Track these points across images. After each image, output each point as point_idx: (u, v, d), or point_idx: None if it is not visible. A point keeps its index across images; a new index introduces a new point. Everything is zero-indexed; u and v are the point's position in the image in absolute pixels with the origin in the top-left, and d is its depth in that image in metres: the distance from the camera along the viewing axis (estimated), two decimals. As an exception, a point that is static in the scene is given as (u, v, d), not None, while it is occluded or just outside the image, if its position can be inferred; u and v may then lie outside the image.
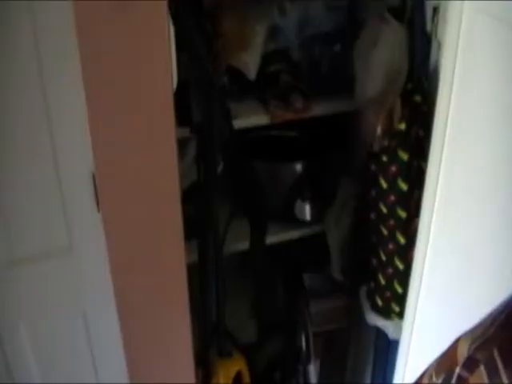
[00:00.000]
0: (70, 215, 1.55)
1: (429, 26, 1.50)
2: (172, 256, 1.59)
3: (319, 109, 1.74)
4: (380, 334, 1.84)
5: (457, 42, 1.30)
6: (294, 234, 1.94)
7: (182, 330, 1.72)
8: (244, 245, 1.83)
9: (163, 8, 1.29)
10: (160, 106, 1.39)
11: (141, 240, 1.55)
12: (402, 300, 1.66)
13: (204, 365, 1.84)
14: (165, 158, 1.45)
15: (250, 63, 1.71)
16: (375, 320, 1.78)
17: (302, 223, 1.91)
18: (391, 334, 1.77)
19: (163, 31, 1.31)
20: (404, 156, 1.52)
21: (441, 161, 1.41)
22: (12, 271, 1.58)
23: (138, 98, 1.37)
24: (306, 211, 1.88)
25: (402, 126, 1.51)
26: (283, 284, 2.09)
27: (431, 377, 0.76)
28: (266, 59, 1.75)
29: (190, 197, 1.56)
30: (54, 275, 1.63)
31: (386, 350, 1.85)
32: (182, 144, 1.48)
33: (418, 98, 1.51)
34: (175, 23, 1.32)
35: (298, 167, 1.86)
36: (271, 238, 1.86)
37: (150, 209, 1.51)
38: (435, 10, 1.45)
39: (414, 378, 1.24)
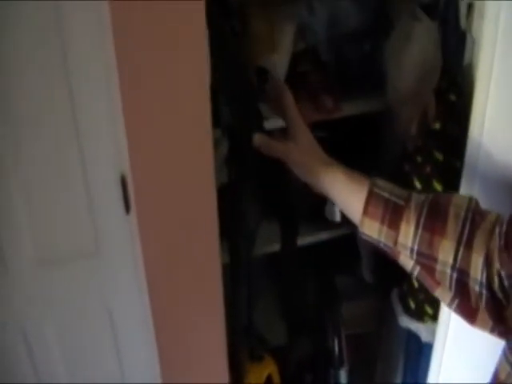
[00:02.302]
0: (98, 218, 1.55)
1: (463, 23, 1.48)
2: (207, 256, 1.59)
3: (349, 109, 1.73)
4: (411, 336, 1.82)
5: (495, 38, 1.27)
6: (324, 236, 1.93)
7: (215, 330, 1.71)
8: (275, 246, 1.82)
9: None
10: (197, 106, 1.39)
11: (175, 240, 1.55)
12: (435, 302, 1.64)
13: (235, 367, 1.82)
14: (201, 158, 1.46)
15: (278, 63, 1.69)
16: (408, 323, 1.76)
17: (332, 224, 1.85)
18: (424, 337, 1.75)
19: (201, 29, 1.31)
20: (439, 156, 1.50)
21: (477, 160, 1.38)
22: (39, 272, 1.58)
23: (175, 97, 1.37)
24: (336, 212, 1.82)
25: (437, 126, 1.50)
26: (315, 286, 2.07)
27: None
28: (295, 59, 1.74)
29: (219, 198, 1.55)
30: (82, 277, 1.63)
31: (418, 353, 1.83)
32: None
33: (452, 97, 1.50)
34: (207, 25, 1.31)
35: None
36: (301, 240, 1.85)
37: (185, 208, 1.52)
38: (470, 6, 1.44)
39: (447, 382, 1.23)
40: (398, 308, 1.79)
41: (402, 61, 1.60)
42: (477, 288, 1.00)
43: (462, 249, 1.01)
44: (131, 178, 1.45)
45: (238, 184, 1.60)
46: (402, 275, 1.66)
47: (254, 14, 1.72)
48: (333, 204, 1.81)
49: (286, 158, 1.26)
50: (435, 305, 1.64)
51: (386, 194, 1.11)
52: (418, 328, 1.75)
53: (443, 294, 1.08)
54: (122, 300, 1.70)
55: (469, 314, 1.06)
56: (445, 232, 1.03)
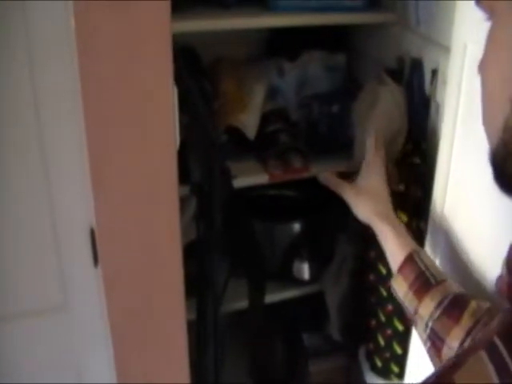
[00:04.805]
0: (66, 271, 1.56)
1: (427, 88, 1.51)
2: (172, 313, 1.58)
3: (318, 169, 1.73)
4: (379, 394, 1.81)
5: (457, 104, 1.30)
6: (292, 294, 1.92)
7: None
8: (242, 304, 1.81)
9: (169, 71, 1.30)
10: (163, 162, 1.39)
11: (140, 296, 1.54)
12: (401, 361, 1.64)
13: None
14: (167, 216, 1.45)
15: (248, 123, 1.71)
16: (375, 380, 1.76)
17: (300, 282, 1.90)
18: (391, 396, 1.74)
19: (168, 87, 1.32)
20: (403, 217, 1.51)
21: (441, 222, 1.40)
22: (5, 327, 1.57)
23: (142, 154, 1.37)
24: (305, 271, 1.87)
25: (402, 188, 1.51)
26: (282, 343, 2.07)
27: None
28: (265, 119, 1.76)
29: (188, 255, 1.54)
30: (49, 332, 1.62)
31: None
32: (180, 202, 1.47)
33: (416, 160, 1.51)
34: (176, 84, 1.33)
35: (297, 226, 1.86)
36: (269, 298, 1.84)
37: (151, 265, 1.51)
38: (434, 72, 1.47)
39: None
40: (365, 366, 1.79)
41: (368, 124, 1.60)
42: None
43: (468, 340, 1.07)
44: (97, 232, 1.45)
45: (205, 241, 1.61)
46: (369, 334, 1.70)
47: (224, 74, 1.74)
48: (301, 262, 1.84)
49: (348, 200, 1.43)
50: (401, 363, 1.64)
51: (422, 266, 1.22)
52: (385, 386, 1.74)
53: None
54: (90, 354, 1.68)
55: None
56: (459, 321, 1.10)
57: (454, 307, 1.13)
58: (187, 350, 1.63)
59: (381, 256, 1.53)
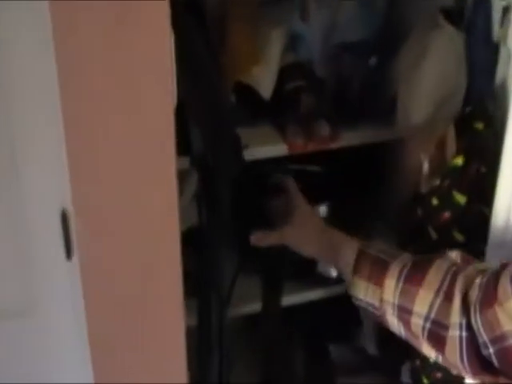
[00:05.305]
0: (31, 265, 1.36)
1: (496, 32, 1.38)
2: (167, 318, 1.39)
3: (349, 138, 1.57)
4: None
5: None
6: (316, 295, 1.75)
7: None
8: (254, 307, 1.65)
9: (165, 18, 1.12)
10: (158, 127, 1.21)
11: (127, 296, 1.35)
12: (455, 382, 1.43)
13: None
14: (161, 194, 1.27)
15: (263, 79, 1.56)
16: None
17: (326, 281, 1.71)
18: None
19: (164, 41, 1.14)
20: (461, 199, 1.37)
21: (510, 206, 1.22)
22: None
23: (130, 116, 1.18)
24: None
25: (459, 161, 1.40)
26: (303, 355, 1.92)
27: None
28: (284, 74, 1.60)
29: (187, 244, 1.35)
30: (16, 336, 1.45)
31: None
32: (179, 177, 1.30)
33: (479, 125, 1.38)
34: (175, 34, 1.15)
35: (323, 210, 1.67)
36: (288, 299, 1.68)
37: (141, 256, 1.32)
38: (505, 10, 1.34)
39: None
40: (409, 386, 1.64)
41: (416, 80, 1.47)
42: (456, 333, 1.03)
43: (439, 301, 1.06)
44: (73, 214, 1.26)
45: (209, 228, 1.47)
46: (414, 347, 1.47)
47: (233, 17, 1.55)
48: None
49: (289, 242, 1.40)
50: (455, 384, 1.48)
51: (373, 252, 1.21)
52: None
53: (427, 350, 1.14)
54: (63, 361, 1.50)
55: (454, 365, 1.10)
56: (423, 282, 1.10)
57: (415, 271, 1.12)
58: (186, 361, 1.45)
59: (431, 248, 1.38)
